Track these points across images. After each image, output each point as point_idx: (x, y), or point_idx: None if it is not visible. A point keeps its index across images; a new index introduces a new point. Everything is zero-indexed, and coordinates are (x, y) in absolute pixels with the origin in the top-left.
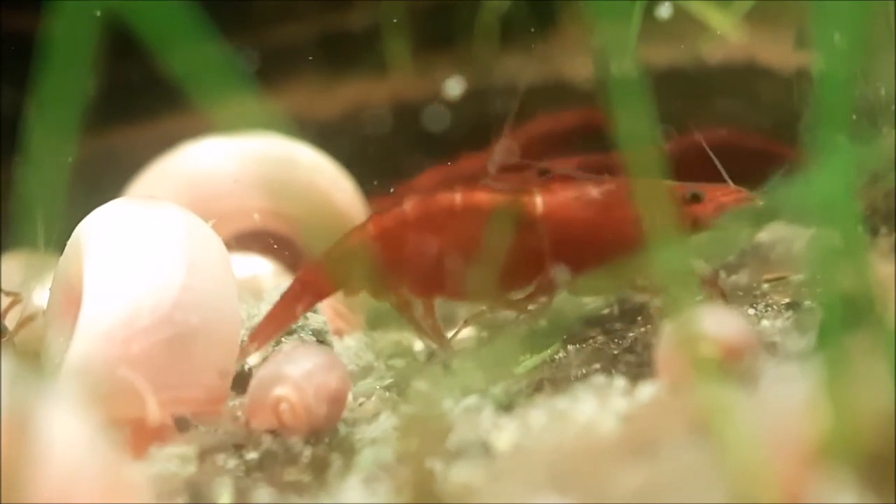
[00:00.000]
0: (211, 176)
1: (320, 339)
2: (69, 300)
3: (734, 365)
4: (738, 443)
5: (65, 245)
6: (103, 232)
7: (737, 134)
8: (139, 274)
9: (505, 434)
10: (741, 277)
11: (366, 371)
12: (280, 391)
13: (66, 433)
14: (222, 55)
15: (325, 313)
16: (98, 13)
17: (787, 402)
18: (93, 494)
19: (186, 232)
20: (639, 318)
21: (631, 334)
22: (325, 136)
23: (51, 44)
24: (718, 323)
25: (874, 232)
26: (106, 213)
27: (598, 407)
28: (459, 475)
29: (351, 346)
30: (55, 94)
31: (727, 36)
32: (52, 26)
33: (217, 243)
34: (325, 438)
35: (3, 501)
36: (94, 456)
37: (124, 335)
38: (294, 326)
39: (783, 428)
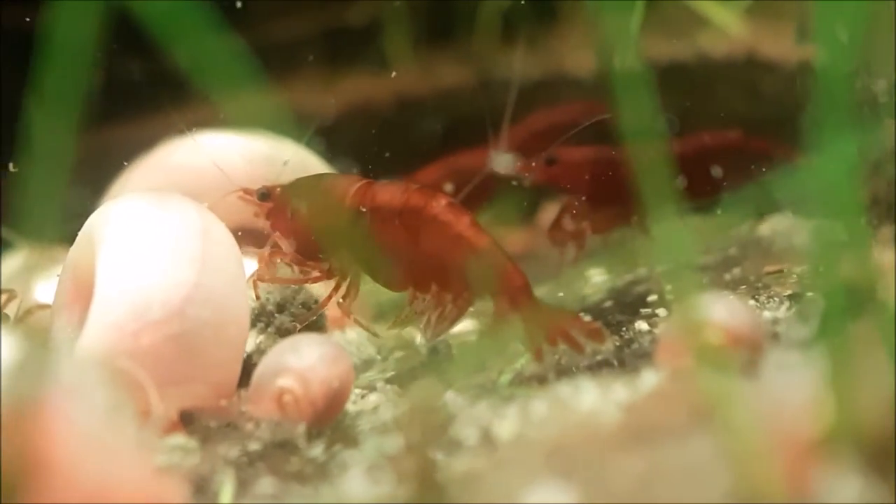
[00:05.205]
0: (196, 172)
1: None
2: (78, 291)
3: (738, 353)
4: (742, 431)
5: (68, 239)
6: (117, 225)
7: (747, 136)
8: (152, 268)
9: (507, 423)
10: (743, 270)
11: (367, 364)
12: (283, 382)
13: (98, 417)
14: (231, 49)
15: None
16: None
17: (791, 390)
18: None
19: (200, 228)
20: (640, 310)
21: (632, 325)
22: (326, 131)
23: (52, 38)
24: (723, 311)
25: (876, 221)
26: (120, 206)
27: (599, 396)
28: (461, 464)
29: (353, 339)
30: (56, 89)
31: (728, 30)
32: (53, 20)
33: (229, 240)
34: (327, 430)
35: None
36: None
37: (135, 328)
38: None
39: (786, 416)
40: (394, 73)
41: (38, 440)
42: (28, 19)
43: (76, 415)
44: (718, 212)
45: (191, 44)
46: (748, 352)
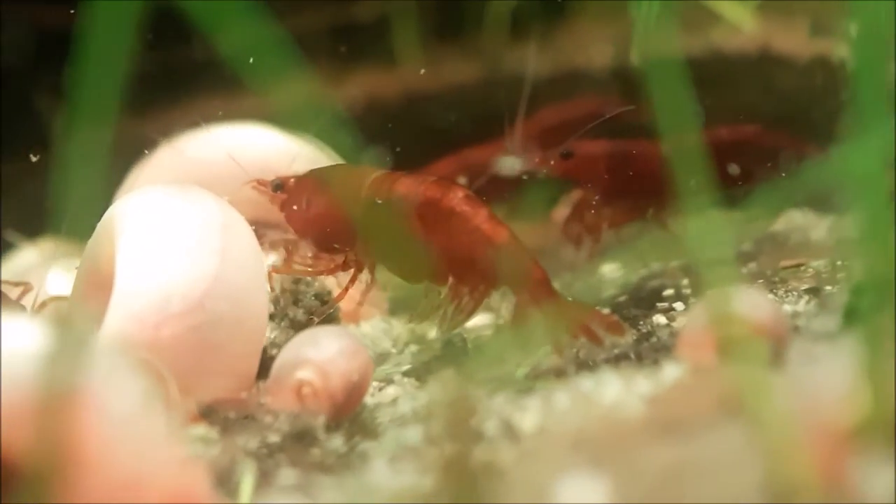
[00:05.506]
0: (209, 165)
1: None
2: (96, 283)
3: (766, 346)
4: (776, 422)
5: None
6: (138, 217)
7: (765, 131)
8: (173, 261)
9: (532, 416)
10: (759, 265)
11: (383, 357)
12: (303, 374)
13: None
14: (272, 37)
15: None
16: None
17: (821, 381)
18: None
19: (220, 221)
20: (656, 305)
21: (648, 319)
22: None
23: (89, 31)
24: (747, 304)
25: None
26: (140, 198)
27: (622, 389)
28: (491, 456)
29: (368, 332)
30: (93, 82)
31: (741, 27)
32: (91, 14)
33: (249, 234)
34: (345, 422)
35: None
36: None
37: (155, 320)
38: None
39: (819, 407)
40: (422, 71)
41: (72, 428)
42: (27, 19)
43: (110, 404)
44: (737, 206)
45: (232, 32)
46: (773, 344)
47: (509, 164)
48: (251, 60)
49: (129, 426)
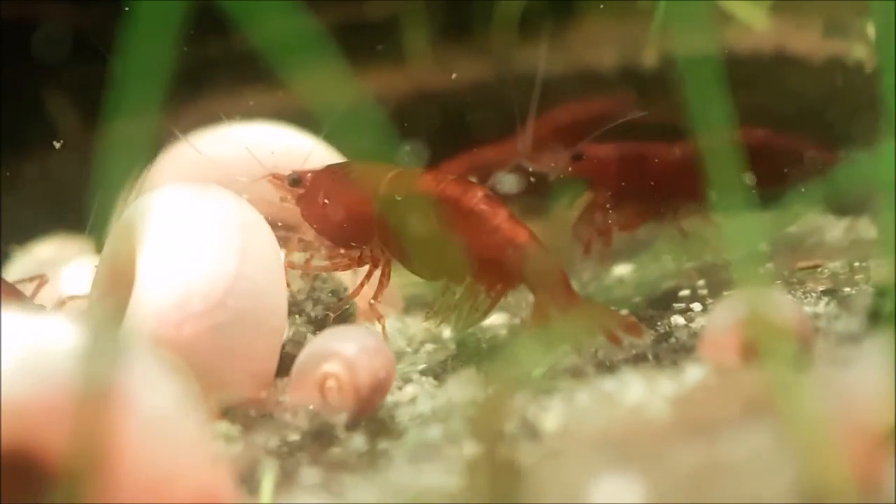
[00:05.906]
0: (221, 163)
1: None
2: (116, 281)
3: (794, 347)
4: (807, 424)
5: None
6: (159, 216)
7: (775, 134)
8: (194, 259)
9: (557, 416)
10: (775, 265)
11: (398, 356)
12: (329, 367)
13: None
14: (306, 29)
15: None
16: None
17: (851, 383)
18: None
19: (240, 220)
20: (672, 305)
21: (665, 320)
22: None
23: (135, 23)
24: (775, 305)
25: None
26: (161, 197)
27: (644, 389)
28: (508, 455)
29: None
30: (138, 74)
31: (755, 27)
32: (137, 10)
33: (268, 232)
34: (362, 420)
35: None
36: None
37: (177, 318)
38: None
39: (850, 409)
40: (454, 76)
41: (108, 428)
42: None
43: (146, 403)
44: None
45: (267, 24)
46: (799, 345)
47: (509, 181)
48: (285, 54)
49: (164, 426)
